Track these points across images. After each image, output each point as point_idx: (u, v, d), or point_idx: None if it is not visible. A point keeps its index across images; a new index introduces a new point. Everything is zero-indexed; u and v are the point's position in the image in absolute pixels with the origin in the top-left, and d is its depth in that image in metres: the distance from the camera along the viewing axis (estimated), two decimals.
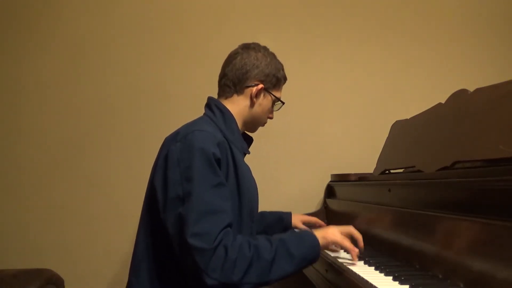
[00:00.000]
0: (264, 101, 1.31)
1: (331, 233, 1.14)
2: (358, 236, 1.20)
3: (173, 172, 1.06)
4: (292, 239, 1.07)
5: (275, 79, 1.31)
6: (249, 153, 1.34)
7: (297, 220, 1.65)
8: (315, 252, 1.08)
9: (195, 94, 2.09)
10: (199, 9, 2.20)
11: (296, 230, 1.62)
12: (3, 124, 2.10)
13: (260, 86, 1.27)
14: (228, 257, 0.98)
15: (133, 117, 2.13)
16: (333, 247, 1.25)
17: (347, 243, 1.15)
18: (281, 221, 1.61)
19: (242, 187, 1.17)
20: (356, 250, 1.16)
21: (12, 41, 2.13)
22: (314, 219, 1.72)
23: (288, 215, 1.64)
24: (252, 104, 1.29)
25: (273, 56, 1.33)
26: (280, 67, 1.33)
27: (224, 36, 2.17)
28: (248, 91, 1.28)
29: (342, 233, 1.16)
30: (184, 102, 2.11)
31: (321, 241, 1.10)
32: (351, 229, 1.21)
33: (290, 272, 1.05)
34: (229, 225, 1.04)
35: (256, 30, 2.20)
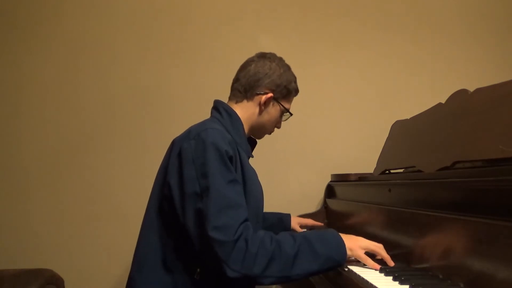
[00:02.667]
0: (272, 110, 1.33)
1: (359, 247, 1.09)
2: (386, 256, 1.11)
3: (189, 169, 1.08)
4: (316, 237, 1.07)
5: (285, 90, 1.33)
6: (252, 156, 1.35)
7: (294, 223, 1.67)
8: (340, 253, 1.06)
9: (197, 95, 2.10)
10: (202, 10, 2.20)
11: (305, 230, 1.64)
12: (4, 125, 2.10)
13: (270, 95, 1.29)
14: (249, 250, 0.99)
15: (135, 118, 2.13)
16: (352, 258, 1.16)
17: (370, 261, 1.08)
18: (281, 222, 1.64)
19: (249, 190, 1.18)
20: (378, 267, 1.07)
21: (13, 42, 2.13)
22: (310, 221, 1.73)
23: (288, 216, 1.66)
24: (260, 112, 1.31)
25: (287, 68, 1.35)
26: (292, 79, 1.35)
27: (227, 38, 2.17)
28: (257, 98, 1.30)
29: (369, 248, 1.11)
30: (186, 103, 2.11)
31: (347, 251, 1.07)
32: (379, 250, 1.11)
33: (313, 270, 1.04)
34: (247, 220, 1.05)
35: (258, 31, 2.19)
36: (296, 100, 2.15)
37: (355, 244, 1.10)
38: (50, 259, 2.01)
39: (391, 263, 1.10)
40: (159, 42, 2.17)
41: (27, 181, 2.08)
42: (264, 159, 2.12)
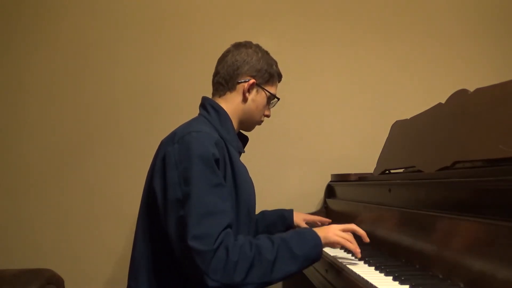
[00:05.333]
0: (257, 97, 1.29)
1: (333, 233, 1.11)
2: (362, 232, 1.17)
3: (172, 174, 1.06)
4: (294, 238, 1.07)
5: (267, 75, 1.30)
6: (244, 152, 1.34)
7: (299, 219, 1.62)
8: (317, 251, 1.07)
9: (199, 95, 2.10)
10: (205, 11, 2.20)
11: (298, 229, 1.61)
12: (6, 125, 2.10)
13: (252, 81, 1.27)
14: (229, 258, 0.98)
15: (137, 118, 2.13)
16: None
17: (350, 244, 1.11)
18: (283, 218, 1.59)
19: (239, 186, 1.17)
20: (359, 250, 1.12)
21: (16, 42, 2.13)
22: (317, 218, 1.68)
23: (290, 212, 1.62)
24: (245, 100, 1.28)
25: (265, 52, 1.32)
26: (272, 62, 1.33)
27: (229, 39, 2.15)
28: (240, 87, 1.27)
29: (344, 231, 1.14)
30: (188, 103, 2.09)
31: (322, 241, 1.09)
32: (353, 226, 1.17)
33: (293, 272, 1.04)
34: (229, 226, 1.04)
35: (259, 30, 2.20)
36: (296, 100, 2.17)
37: (328, 232, 1.11)
38: (50, 259, 2.01)
39: (367, 239, 1.16)
40: (162, 43, 2.17)
41: (28, 181, 2.08)
42: (264, 159, 2.12)
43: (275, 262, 1.01)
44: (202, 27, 2.19)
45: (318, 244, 1.08)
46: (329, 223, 1.71)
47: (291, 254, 1.03)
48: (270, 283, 1.03)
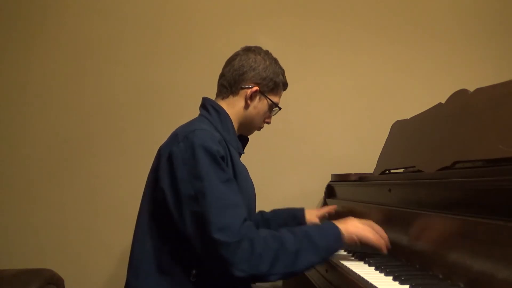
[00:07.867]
0: (259, 104, 1.30)
1: (352, 225, 1.13)
2: (379, 229, 1.16)
3: (181, 172, 1.06)
4: (315, 230, 1.09)
5: (272, 83, 1.30)
6: (243, 153, 1.34)
7: (311, 216, 1.60)
8: (339, 242, 1.09)
9: (199, 95, 2.10)
10: (205, 9, 2.20)
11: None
12: (6, 124, 2.10)
13: (255, 88, 1.27)
14: (254, 250, 1.00)
15: (136, 118, 2.13)
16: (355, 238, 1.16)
17: (371, 235, 1.12)
18: (295, 218, 1.58)
19: (240, 186, 1.17)
20: (382, 241, 1.13)
21: (18, 41, 2.13)
22: (325, 209, 1.66)
23: (301, 211, 1.60)
24: (246, 106, 1.28)
25: (273, 60, 1.32)
26: (279, 72, 1.32)
27: (230, 37, 2.17)
28: (243, 92, 1.27)
29: (364, 225, 1.15)
30: (189, 103, 2.08)
31: (343, 232, 1.10)
32: (371, 222, 1.17)
33: (316, 262, 1.08)
34: (246, 218, 1.06)
35: (259, 30, 2.20)
36: (296, 100, 2.17)
37: (347, 224, 1.13)
38: (50, 259, 2.01)
39: (381, 241, 1.15)
40: (163, 43, 2.17)
41: (28, 181, 2.08)
42: (264, 159, 2.12)
43: (298, 253, 1.03)
44: (202, 27, 2.19)
45: (338, 234, 1.09)
46: (332, 213, 1.68)
47: (313, 245, 1.05)
48: (294, 274, 1.05)
